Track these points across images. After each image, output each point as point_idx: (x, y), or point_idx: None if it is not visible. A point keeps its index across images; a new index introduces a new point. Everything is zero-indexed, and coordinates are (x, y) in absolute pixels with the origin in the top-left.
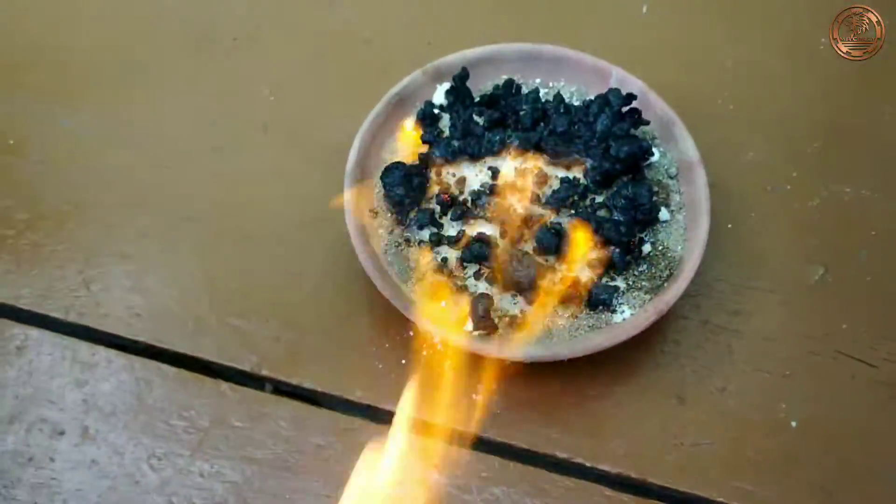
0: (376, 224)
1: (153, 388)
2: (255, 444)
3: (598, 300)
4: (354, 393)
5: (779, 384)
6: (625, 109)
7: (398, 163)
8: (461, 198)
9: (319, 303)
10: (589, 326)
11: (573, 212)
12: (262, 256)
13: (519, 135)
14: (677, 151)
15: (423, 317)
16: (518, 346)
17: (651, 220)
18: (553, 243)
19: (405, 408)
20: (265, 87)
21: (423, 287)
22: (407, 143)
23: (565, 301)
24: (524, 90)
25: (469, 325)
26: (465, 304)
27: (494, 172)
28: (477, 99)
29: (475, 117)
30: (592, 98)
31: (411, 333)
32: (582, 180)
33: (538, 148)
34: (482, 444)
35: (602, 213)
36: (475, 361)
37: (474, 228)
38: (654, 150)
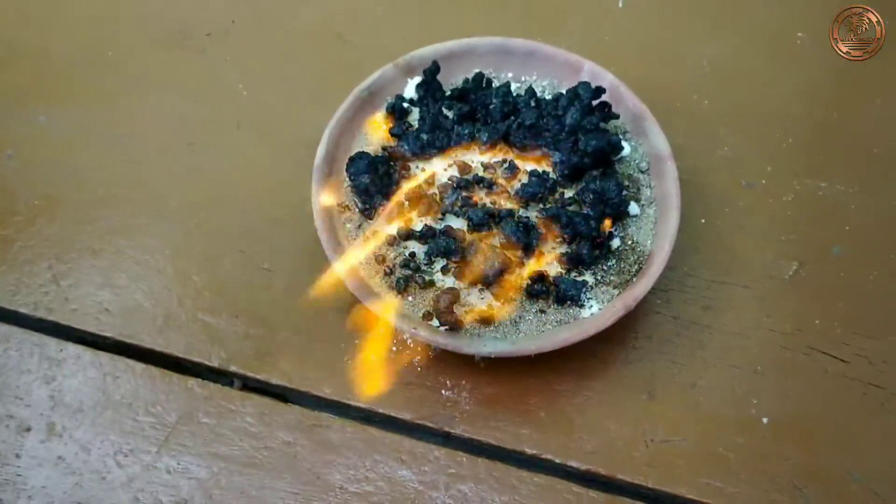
0: (344, 219)
1: (121, 384)
2: (223, 441)
3: (566, 295)
4: (322, 389)
5: (750, 380)
6: (595, 103)
7: (363, 152)
8: (430, 191)
9: (289, 299)
10: (557, 321)
11: (542, 206)
12: (232, 253)
13: (488, 128)
14: (649, 146)
15: (391, 312)
16: (485, 342)
17: (620, 215)
18: (521, 237)
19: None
20: (239, 83)
21: (391, 282)
22: (376, 136)
23: (533, 296)
24: (496, 84)
25: (436, 321)
26: (432, 299)
27: (463, 166)
28: (448, 93)
29: (445, 111)
30: (563, 92)
31: (381, 330)
32: (551, 174)
33: (507, 142)
34: (450, 441)
35: (572, 207)
36: (443, 357)
37: (442, 223)
38: (624, 144)
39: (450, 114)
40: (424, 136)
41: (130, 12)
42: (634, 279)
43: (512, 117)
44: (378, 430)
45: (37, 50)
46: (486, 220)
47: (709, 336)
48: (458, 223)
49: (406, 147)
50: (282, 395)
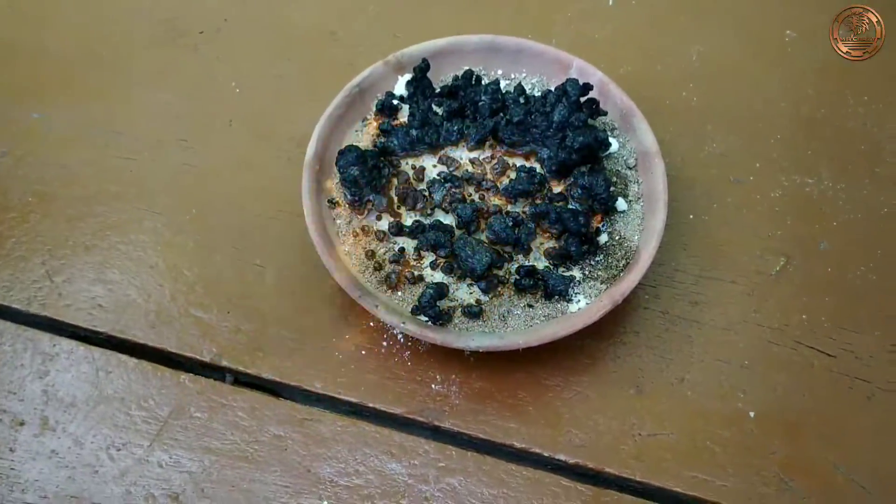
0: (334, 215)
1: (113, 378)
2: (214, 435)
3: (554, 290)
4: (313, 384)
5: (737, 374)
6: (583, 100)
7: (352, 146)
8: (419, 188)
9: (280, 294)
10: (545, 316)
11: (531, 202)
12: (224, 248)
13: (476, 124)
14: (637, 142)
15: (381, 307)
16: (473, 336)
17: (608, 210)
18: (509, 233)
19: (362, 398)
20: (231, 81)
21: (381, 277)
22: (367, 133)
23: (521, 290)
24: (485, 81)
25: (423, 316)
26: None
27: (452, 163)
28: (438, 90)
29: (434, 108)
30: (552, 89)
31: (371, 324)
32: (539, 170)
33: (496, 138)
34: (440, 434)
35: (560, 203)
36: (433, 352)
37: (432, 218)
38: (612, 140)
39: (439, 110)
40: (414, 132)
41: (124, 10)
42: (622, 274)
43: (500, 114)
44: (368, 424)
45: (30, 48)
46: (474, 216)
47: (696, 331)
48: (448, 220)
49: (396, 143)
50: (273, 389)
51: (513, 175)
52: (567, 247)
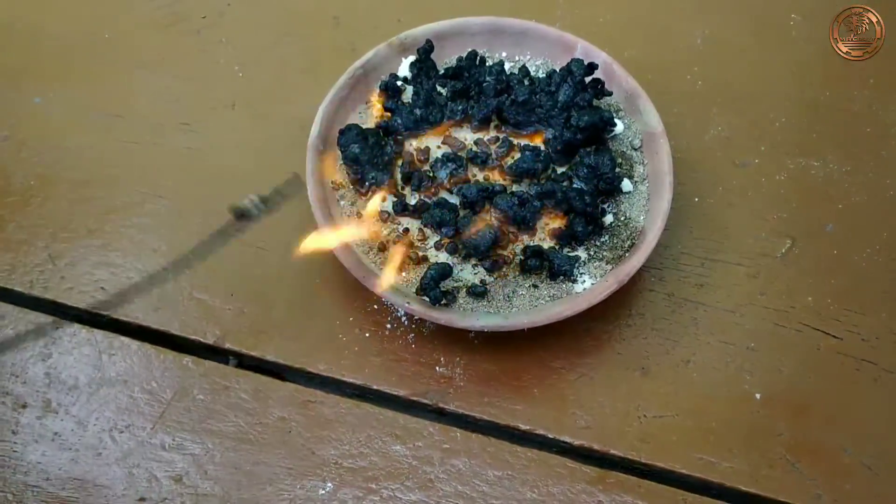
0: (338, 196)
1: (116, 361)
2: (217, 417)
3: (559, 270)
4: (317, 366)
5: (743, 356)
6: (588, 80)
7: (353, 124)
8: (423, 168)
9: (284, 277)
10: (550, 296)
11: (535, 182)
12: (227, 231)
13: (480, 103)
14: (642, 123)
15: (385, 288)
16: (478, 316)
17: (613, 190)
18: (516, 211)
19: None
20: (234, 64)
21: (385, 258)
22: (372, 115)
23: (526, 271)
24: (489, 63)
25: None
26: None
27: (457, 143)
28: (442, 71)
29: (439, 88)
30: (556, 69)
31: (375, 306)
32: (545, 150)
33: (501, 118)
34: (444, 416)
35: (564, 184)
36: (437, 334)
37: (436, 199)
38: (617, 121)
39: (443, 91)
40: (418, 111)
41: None
42: (627, 255)
43: (505, 94)
44: (372, 406)
45: (32, 31)
46: (479, 196)
47: (702, 313)
48: (453, 200)
49: (399, 121)
50: (276, 371)
51: (517, 156)
52: (573, 227)
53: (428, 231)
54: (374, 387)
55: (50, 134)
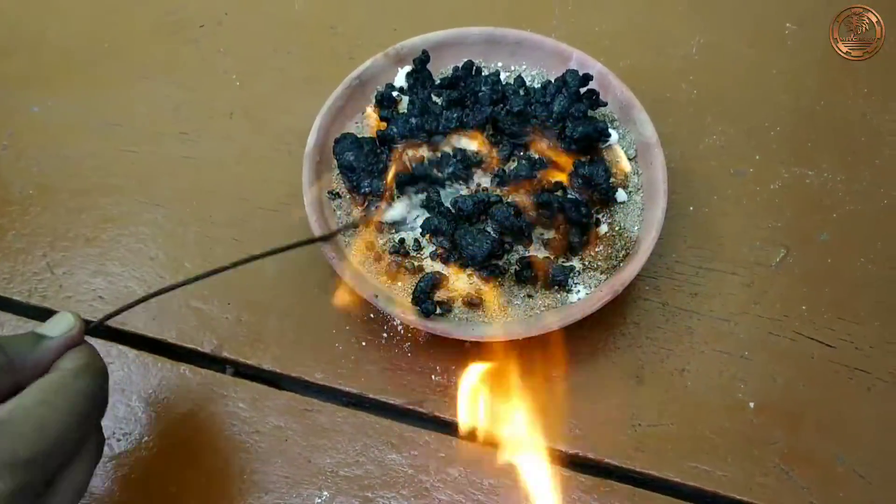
0: (335, 206)
1: (114, 370)
2: (214, 425)
3: (554, 280)
4: (314, 375)
5: (737, 365)
6: (583, 91)
7: (348, 133)
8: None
9: (280, 286)
10: (545, 306)
11: (532, 192)
12: (224, 240)
13: (476, 109)
14: (636, 133)
15: (380, 298)
16: (474, 326)
17: (608, 200)
18: (512, 222)
19: (363, 389)
20: (232, 73)
21: (380, 268)
22: (367, 125)
23: (521, 281)
24: (485, 73)
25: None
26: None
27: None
28: (438, 81)
29: (434, 98)
30: (551, 80)
31: (371, 315)
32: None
33: (496, 128)
34: (440, 425)
35: (559, 193)
36: (433, 343)
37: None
38: (612, 132)
39: (439, 100)
40: (413, 120)
41: (125, 2)
42: (622, 264)
43: (500, 104)
44: (368, 415)
45: (31, 40)
46: (475, 209)
47: (696, 322)
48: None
49: (395, 130)
50: (273, 380)
51: (512, 164)
52: (568, 237)
53: (423, 241)
54: (371, 395)
55: (49, 143)
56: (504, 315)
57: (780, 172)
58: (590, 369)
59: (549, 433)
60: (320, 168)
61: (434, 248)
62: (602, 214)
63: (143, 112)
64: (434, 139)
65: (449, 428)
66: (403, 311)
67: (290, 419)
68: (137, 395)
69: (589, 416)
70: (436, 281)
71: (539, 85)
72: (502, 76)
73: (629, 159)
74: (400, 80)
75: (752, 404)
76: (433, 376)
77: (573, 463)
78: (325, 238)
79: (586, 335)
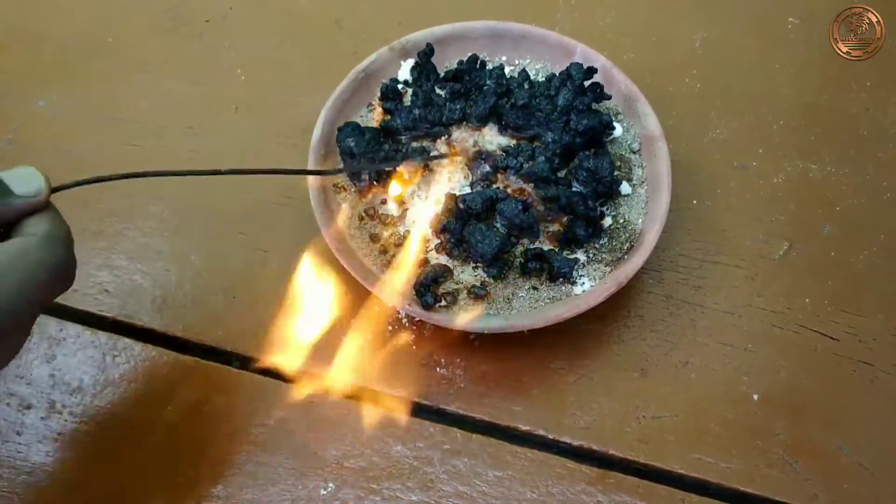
0: (340, 199)
1: (119, 362)
2: (220, 418)
3: (558, 272)
4: (319, 367)
5: (741, 357)
6: (587, 84)
7: (352, 121)
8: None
9: (285, 279)
10: (549, 298)
11: (534, 184)
12: (230, 234)
13: (479, 97)
14: (640, 127)
15: (385, 290)
16: (478, 318)
17: (612, 193)
18: (522, 218)
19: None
20: (237, 68)
21: (385, 261)
22: (373, 119)
23: (526, 273)
24: (489, 66)
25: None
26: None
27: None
28: (442, 75)
29: (438, 91)
30: (556, 73)
31: (376, 308)
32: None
33: (500, 121)
34: (445, 417)
35: (563, 186)
36: (438, 335)
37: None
38: (616, 125)
39: (442, 93)
40: (417, 111)
41: None
42: (626, 257)
43: (505, 97)
44: (373, 407)
45: (36, 34)
46: (484, 206)
47: (700, 315)
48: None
49: (399, 122)
50: (278, 373)
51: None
52: (573, 230)
53: (428, 233)
54: (375, 387)
55: (54, 137)
56: (509, 307)
57: (784, 166)
58: (594, 362)
59: (554, 425)
60: (325, 161)
61: (439, 240)
62: (606, 207)
63: (147, 106)
64: (434, 130)
65: (453, 420)
66: (409, 303)
67: (295, 411)
68: (143, 388)
69: (593, 408)
70: (437, 275)
71: (543, 78)
72: (506, 70)
73: (633, 152)
74: (404, 73)
75: (755, 396)
76: (438, 368)
77: (578, 455)
78: (327, 172)
79: (590, 328)
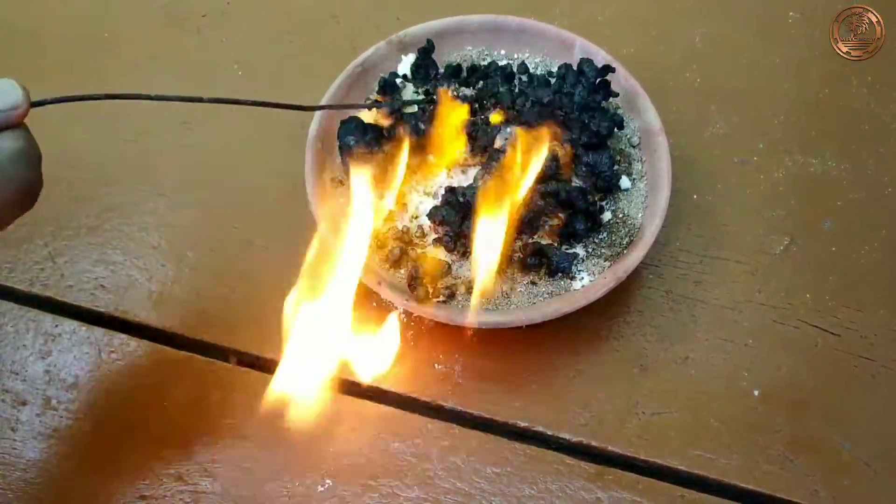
0: (338, 194)
1: (115, 358)
2: (216, 414)
3: (557, 267)
4: (318, 364)
5: (742, 353)
6: (597, 81)
7: (355, 117)
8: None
9: (283, 275)
10: (548, 293)
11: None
12: (227, 229)
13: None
14: (640, 121)
15: (383, 285)
16: (477, 314)
17: (611, 188)
18: (524, 214)
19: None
20: (234, 63)
21: (383, 256)
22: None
23: (525, 268)
24: (487, 60)
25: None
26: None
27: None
28: (441, 71)
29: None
30: (561, 67)
31: (374, 304)
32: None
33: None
34: (443, 413)
35: (563, 181)
36: (436, 331)
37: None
38: None
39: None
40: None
41: None
42: (625, 252)
43: (523, 96)
44: (371, 403)
45: (32, 30)
46: None
47: (700, 310)
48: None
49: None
50: (275, 369)
51: None
52: (573, 224)
53: (426, 228)
54: (373, 384)
55: (50, 132)
56: (507, 302)
57: (784, 161)
58: (593, 357)
59: (553, 421)
60: (323, 156)
61: (437, 235)
62: (606, 202)
63: (145, 102)
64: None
65: (452, 416)
66: (406, 299)
67: (291, 407)
68: (138, 384)
69: (592, 404)
70: (425, 268)
71: (542, 72)
72: (504, 63)
73: (633, 147)
74: (403, 67)
75: (756, 392)
76: (436, 364)
77: (577, 451)
78: (310, 108)
79: (589, 323)
